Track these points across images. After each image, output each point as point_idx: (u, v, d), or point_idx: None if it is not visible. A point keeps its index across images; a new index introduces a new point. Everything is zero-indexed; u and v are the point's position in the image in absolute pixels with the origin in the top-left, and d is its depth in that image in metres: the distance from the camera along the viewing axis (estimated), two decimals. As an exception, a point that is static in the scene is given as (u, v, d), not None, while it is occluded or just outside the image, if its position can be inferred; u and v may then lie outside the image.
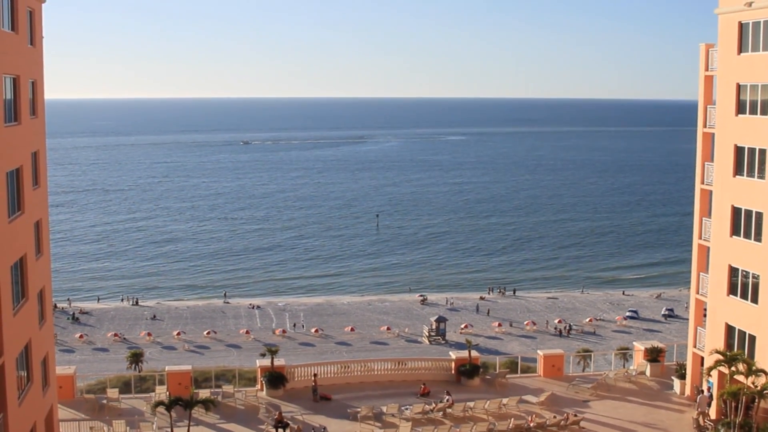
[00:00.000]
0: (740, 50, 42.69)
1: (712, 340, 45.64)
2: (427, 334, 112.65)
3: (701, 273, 47.95)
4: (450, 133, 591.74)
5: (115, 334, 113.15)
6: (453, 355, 54.32)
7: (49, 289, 39.70)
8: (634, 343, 59.69)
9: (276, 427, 43.71)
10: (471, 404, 46.92)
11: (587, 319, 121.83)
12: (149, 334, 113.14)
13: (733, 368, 40.97)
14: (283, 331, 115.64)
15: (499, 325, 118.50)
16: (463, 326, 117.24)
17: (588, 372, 60.14)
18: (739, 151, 43.30)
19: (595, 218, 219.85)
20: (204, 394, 46.76)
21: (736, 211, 43.77)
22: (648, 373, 53.35)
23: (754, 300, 42.38)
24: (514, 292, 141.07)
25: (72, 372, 49.56)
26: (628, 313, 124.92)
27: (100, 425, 43.82)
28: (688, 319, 53.78)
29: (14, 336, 31.52)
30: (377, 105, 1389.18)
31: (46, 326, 38.45)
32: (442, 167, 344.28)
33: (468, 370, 52.07)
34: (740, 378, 40.79)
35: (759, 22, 41.17)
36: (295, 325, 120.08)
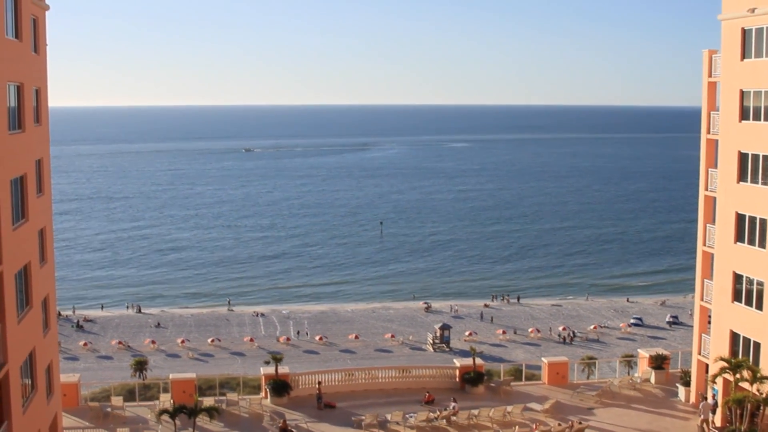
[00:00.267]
0: (743, 56, 42.65)
1: (717, 347, 45.49)
2: (431, 341, 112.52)
3: (706, 280, 47.80)
4: (454, 140, 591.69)
5: (120, 342, 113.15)
6: (457, 362, 54.21)
7: (54, 297, 39.76)
8: (639, 350, 59.48)
9: (280, 435, 43.68)
10: (475, 412, 46.80)
11: (591, 327, 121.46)
12: (153, 342, 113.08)
13: (737, 375, 40.85)
14: (288, 339, 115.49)
15: (504, 332, 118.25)
16: (467, 334, 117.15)
17: (592, 379, 60.14)
18: (742, 157, 43.21)
19: (600, 225, 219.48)
20: (208, 401, 46.66)
21: (740, 218, 43.66)
22: (653, 380, 53.20)
23: (759, 307, 42.24)
24: (519, 300, 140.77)
25: (76, 380, 49.56)
26: (632, 320, 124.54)
27: (104, 433, 43.86)
28: (692, 326, 53.68)
29: (18, 344, 31.55)
30: (381, 112, 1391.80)
31: (51, 334, 38.50)
32: (447, 174, 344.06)
33: (472, 378, 51.95)
34: (745, 385, 40.66)
35: (762, 28, 41.15)
36: (299, 333, 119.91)
